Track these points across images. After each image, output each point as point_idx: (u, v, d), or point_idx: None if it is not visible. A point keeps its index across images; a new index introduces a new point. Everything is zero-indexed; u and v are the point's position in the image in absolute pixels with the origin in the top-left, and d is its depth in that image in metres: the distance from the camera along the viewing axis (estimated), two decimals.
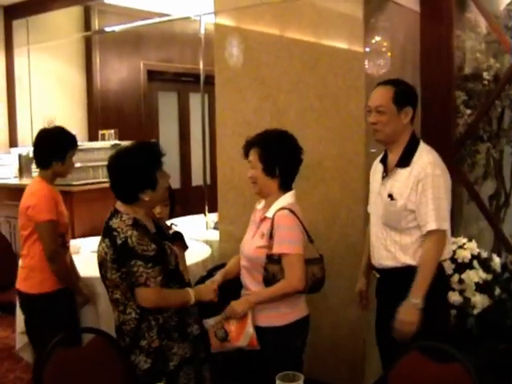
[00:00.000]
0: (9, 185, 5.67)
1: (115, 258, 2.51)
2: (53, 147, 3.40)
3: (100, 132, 5.81)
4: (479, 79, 4.23)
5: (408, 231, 2.73)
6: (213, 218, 5.11)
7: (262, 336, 2.70)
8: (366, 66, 3.63)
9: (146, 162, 2.63)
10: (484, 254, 3.68)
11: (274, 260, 2.68)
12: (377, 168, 2.92)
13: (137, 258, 2.49)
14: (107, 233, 2.57)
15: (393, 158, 2.81)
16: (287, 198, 2.78)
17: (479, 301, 3.54)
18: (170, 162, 7.35)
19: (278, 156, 2.76)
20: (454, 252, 3.66)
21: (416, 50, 4.05)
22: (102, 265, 2.60)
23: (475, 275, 3.57)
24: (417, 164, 2.70)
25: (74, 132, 5.83)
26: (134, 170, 2.60)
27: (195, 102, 5.34)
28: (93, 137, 6.44)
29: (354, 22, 3.53)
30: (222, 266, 3.56)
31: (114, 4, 6.44)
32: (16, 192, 5.39)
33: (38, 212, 3.25)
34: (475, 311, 3.54)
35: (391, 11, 3.80)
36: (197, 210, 5.59)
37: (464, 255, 3.64)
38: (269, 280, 2.70)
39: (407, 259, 2.73)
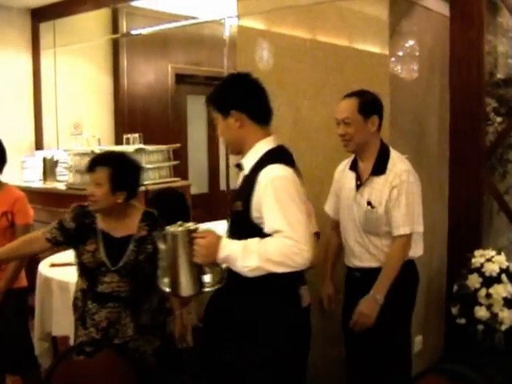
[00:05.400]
0: (33, 188, 5.67)
1: None
2: None
3: (124, 136, 5.78)
4: (511, 85, 4.10)
5: (388, 234, 2.87)
6: None
7: None
8: (399, 71, 3.54)
9: None
10: None
11: None
12: (347, 175, 3.03)
13: None
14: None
15: (365, 166, 2.92)
16: None
17: (507, 316, 3.45)
18: (199, 166, 7.35)
19: None
20: (482, 265, 3.59)
21: (445, 55, 3.94)
22: None
23: (503, 290, 3.49)
24: (392, 171, 2.83)
25: (98, 135, 5.91)
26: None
27: None
28: (119, 140, 6.42)
29: (379, 25, 3.42)
30: None
31: (142, 7, 6.43)
32: (40, 195, 5.42)
33: None
34: (503, 327, 3.47)
35: (419, 15, 3.68)
36: (224, 214, 5.52)
37: (492, 269, 3.55)
38: None
39: None
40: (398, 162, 2.86)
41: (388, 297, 2.80)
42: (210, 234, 2.21)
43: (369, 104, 2.87)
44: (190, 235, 2.19)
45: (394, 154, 2.90)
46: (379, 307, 2.78)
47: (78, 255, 2.84)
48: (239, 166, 2.42)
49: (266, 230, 2.19)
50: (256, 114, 2.36)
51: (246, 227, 2.26)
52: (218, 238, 2.19)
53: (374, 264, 2.91)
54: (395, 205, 2.79)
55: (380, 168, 2.86)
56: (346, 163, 3.09)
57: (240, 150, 2.40)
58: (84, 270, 2.84)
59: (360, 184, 2.93)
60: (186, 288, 2.22)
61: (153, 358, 2.83)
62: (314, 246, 2.90)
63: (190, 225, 2.25)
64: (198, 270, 2.21)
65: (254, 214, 2.24)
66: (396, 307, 2.82)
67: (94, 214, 2.84)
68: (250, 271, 2.16)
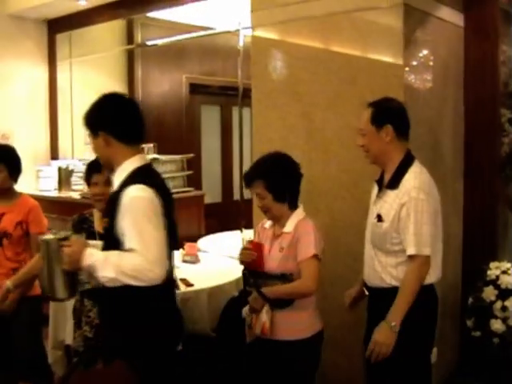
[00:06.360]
0: (48, 197, 5.72)
1: None
2: None
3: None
4: None
5: (394, 253, 2.74)
6: (250, 234, 5.02)
7: (287, 349, 2.83)
8: (413, 82, 3.52)
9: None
10: None
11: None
12: (374, 187, 2.94)
13: None
14: None
15: (387, 178, 2.82)
16: (301, 213, 2.93)
17: None
18: (213, 176, 7.32)
19: (284, 183, 2.89)
20: (497, 277, 3.55)
21: (459, 66, 3.93)
22: None
23: None
24: (404, 187, 2.70)
25: None
26: None
27: (238, 115, 5.31)
28: None
29: (393, 36, 3.41)
30: None
31: (157, 18, 6.46)
32: (55, 204, 5.45)
33: None
34: None
35: (433, 26, 3.67)
36: (237, 224, 5.51)
37: (508, 281, 3.52)
38: None
39: (392, 281, 2.75)
40: (411, 178, 2.71)
41: (406, 326, 2.67)
42: (76, 243, 2.40)
43: (381, 113, 2.77)
44: (59, 243, 2.39)
45: (413, 169, 2.75)
46: (395, 335, 2.62)
47: None
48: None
49: (126, 247, 2.32)
50: (122, 135, 2.47)
51: (112, 243, 2.39)
52: (83, 247, 2.36)
53: (376, 282, 2.82)
54: (406, 224, 2.65)
55: (395, 181, 2.75)
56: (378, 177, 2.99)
57: (111, 168, 2.55)
58: None
59: (377, 197, 2.86)
60: (60, 292, 2.46)
61: None
62: (314, 270, 2.79)
63: (63, 233, 2.48)
64: (70, 276, 2.44)
65: (118, 230, 2.37)
66: (414, 337, 2.70)
67: (91, 218, 3.08)
68: (107, 282, 2.32)
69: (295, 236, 2.84)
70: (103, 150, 2.50)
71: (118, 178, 2.47)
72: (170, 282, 2.54)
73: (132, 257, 2.27)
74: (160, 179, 2.58)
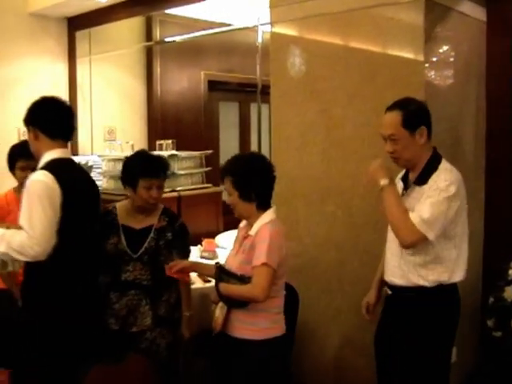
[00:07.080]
0: None
1: None
2: None
3: (158, 142, 5.82)
4: None
5: (422, 251, 2.68)
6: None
7: (240, 347, 2.83)
8: (434, 78, 3.48)
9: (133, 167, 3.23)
10: None
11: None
12: (398, 185, 2.88)
13: None
14: None
15: (413, 175, 2.79)
16: (268, 216, 2.86)
17: None
18: None
19: (251, 181, 2.85)
20: None
21: (481, 62, 3.88)
22: None
23: None
24: (434, 181, 2.65)
25: (132, 142, 5.94)
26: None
27: (257, 112, 5.29)
28: (152, 147, 6.46)
29: (414, 32, 3.37)
30: None
31: (175, 14, 6.47)
32: None
33: None
34: None
35: (454, 21, 3.62)
36: None
37: None
38: None
39: (419, 280, 2.71)
40: (442, 174, 2.67)
41: (426, 325, 2.70)
42: None
43: (413, 115, 2.70)
44: None
45: (443, 166, 2.71)
46: (377, 183, 2.74)
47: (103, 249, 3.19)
48: None
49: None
50: (46, 130, 2.89)
51: None
52: None
53: (401, 281, 2.78)
54: (422, 202, 2.62)
55: (424, 178, 2.70)
56: (401, 174, 2.96)
57: (39, 158, 2.91)
58: (108, 262, 3.15)
59: (404, 193, 2.82)
60: None
61: (166, 352, 3.09)
62: (263, 278, 2.69)
63: None
64: None
65: None
66: (435, 335, 2.71)
67: (115, 211, 3.26)
68: (1, 255, 2.74)
69: (254, 241, 2.79)
70: (33, 142, 2.93)
71: (38, 167, 2.82)
72: (75, 265, 2.87)
73: (20, 234, 2.63)
74: (76, 173, 2.96)
